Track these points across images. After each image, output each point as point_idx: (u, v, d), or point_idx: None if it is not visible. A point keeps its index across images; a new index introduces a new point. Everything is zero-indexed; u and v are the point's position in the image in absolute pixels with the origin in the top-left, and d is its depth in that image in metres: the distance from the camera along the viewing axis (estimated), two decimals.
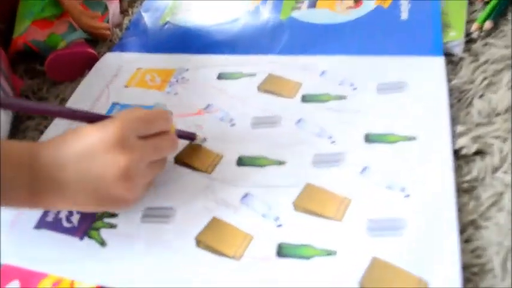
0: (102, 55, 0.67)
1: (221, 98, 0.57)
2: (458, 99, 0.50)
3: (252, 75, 0.58)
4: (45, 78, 0.65)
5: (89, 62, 0.66)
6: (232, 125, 0.53)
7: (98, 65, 0.65)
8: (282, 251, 0.42)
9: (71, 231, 0.47)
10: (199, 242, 0.44)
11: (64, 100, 0.62)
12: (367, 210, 0.42)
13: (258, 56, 0.60)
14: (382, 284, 0.38)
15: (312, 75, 0.56)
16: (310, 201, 0.44)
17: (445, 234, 0.39)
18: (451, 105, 0.49)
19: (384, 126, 0.48)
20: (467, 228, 0.40)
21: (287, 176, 0.47)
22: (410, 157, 0.45)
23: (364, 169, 0.46)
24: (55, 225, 0.48)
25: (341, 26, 0.61)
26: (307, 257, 0.41)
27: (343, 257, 0.40)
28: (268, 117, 0.53)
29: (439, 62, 0.53)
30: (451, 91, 0.50)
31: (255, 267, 0.41)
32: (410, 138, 0.47)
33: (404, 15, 0.60)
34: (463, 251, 0.38)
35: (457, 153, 0.45)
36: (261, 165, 0.49)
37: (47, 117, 0.59)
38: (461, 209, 0.41)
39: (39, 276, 0.44)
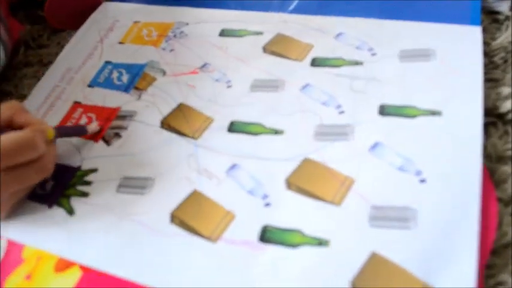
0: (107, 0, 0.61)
1: (220, 57, 0.50)
2: (505, 60, 0.45)
3: (259, 33, 0.51)
4: (47, 25, 0.60)
5: (92, 8, 0.59)
6: (229, 86, 0.46)
7: (93, 16, 0.59)
8: (266, 235, 0.35)
9: (42, 199, 0.41)
10: (174, 218, 0.38)
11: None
12: (372, 195, 0.35)
13: (268, 13, 0.53)
14: (378, 284, 0.31)
15: (326, 37, 0.49)
16: (307, 179, 0.38)
17: (463, 234, 0.32)
18: (496, 66, 0.44)
19: (404, 98, 0.41)
20: None
21: (283, 147, 0.40)
22: (432, 135, 0.38)
23: (375, 145, 0.38)
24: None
25: None
26: (294, 245, 0.34)
27: (336, 249, 0.33)
28: (271, 80, 0.46)
29: (476, 31, 0.45)
30: (496, 50, 0.45)
31: (231, 254, 0.35)
32: (434, 113, 0.39)
33: None
34: (507, 224, 0.34)
35: (502, 118, 0.40)
36: (255, 133, 0.42)
37: (46, 64, 0.54)
38: (506, 179, 0.37)
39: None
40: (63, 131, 0.43)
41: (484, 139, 0.39)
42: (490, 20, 0.49)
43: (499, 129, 0.40)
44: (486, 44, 0.46)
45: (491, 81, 0.44)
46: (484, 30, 0.47)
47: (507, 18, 0.48)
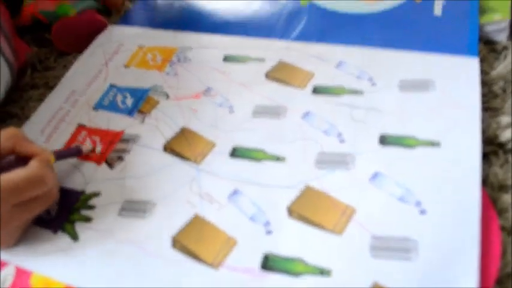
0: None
1: (223, 82, 0.51)
2: (504, 89, 0.46)
3: (261, 60, 0.52)
4: (54, 48, 0.61)
5: (98, 32, 0.61)
6: (231, 112, 0.47)
7: (98, 39, 0.60)
8: (268, 263, 0.35)
9: (47, 224, 0.41)
10: (176, 242, 0.38)
11: None
12: (373, 225, 0.36)
13: (270, 40, 0.54)
14: None
15: (327, 66, 0.50)
16: (308, 207, 0.38)
17: (464, 265, 0.32)
18: (496, 95, 0.45)
19: (404, 128, 0.42)
20: None
21: (285, 174, 0.41)
22: (431, 166, 0.39)
23: (375, 175, 0.39)
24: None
25: (366, 17, 0.54)
26: (296, 274, 0.34)
27: (338, 279, 0.33)
28: (273, 107, 0.47)
29: (473, 62, 0.46)
30: (495, 80, 0.47)
31: (233, 282, 0.35)
32: (434, 144, 0.40)
33: (437, 11, 0.53)
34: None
35: (503, 147, 0.41)
36: (257, 159, 0.42)
37: (52, 87, 0.55)
38: (508, 208, 0.37)
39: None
40: (60, 154, 0.43)
41: (486, 168, 0.40)
42: (488, 49, 0.50)
43: (500, 158, 0.41)
44: (485, 73, 0.47)
45: (490, 110, 0.45)
46: (483, 60, 0.48)
47: (505, 47, 0.50)
